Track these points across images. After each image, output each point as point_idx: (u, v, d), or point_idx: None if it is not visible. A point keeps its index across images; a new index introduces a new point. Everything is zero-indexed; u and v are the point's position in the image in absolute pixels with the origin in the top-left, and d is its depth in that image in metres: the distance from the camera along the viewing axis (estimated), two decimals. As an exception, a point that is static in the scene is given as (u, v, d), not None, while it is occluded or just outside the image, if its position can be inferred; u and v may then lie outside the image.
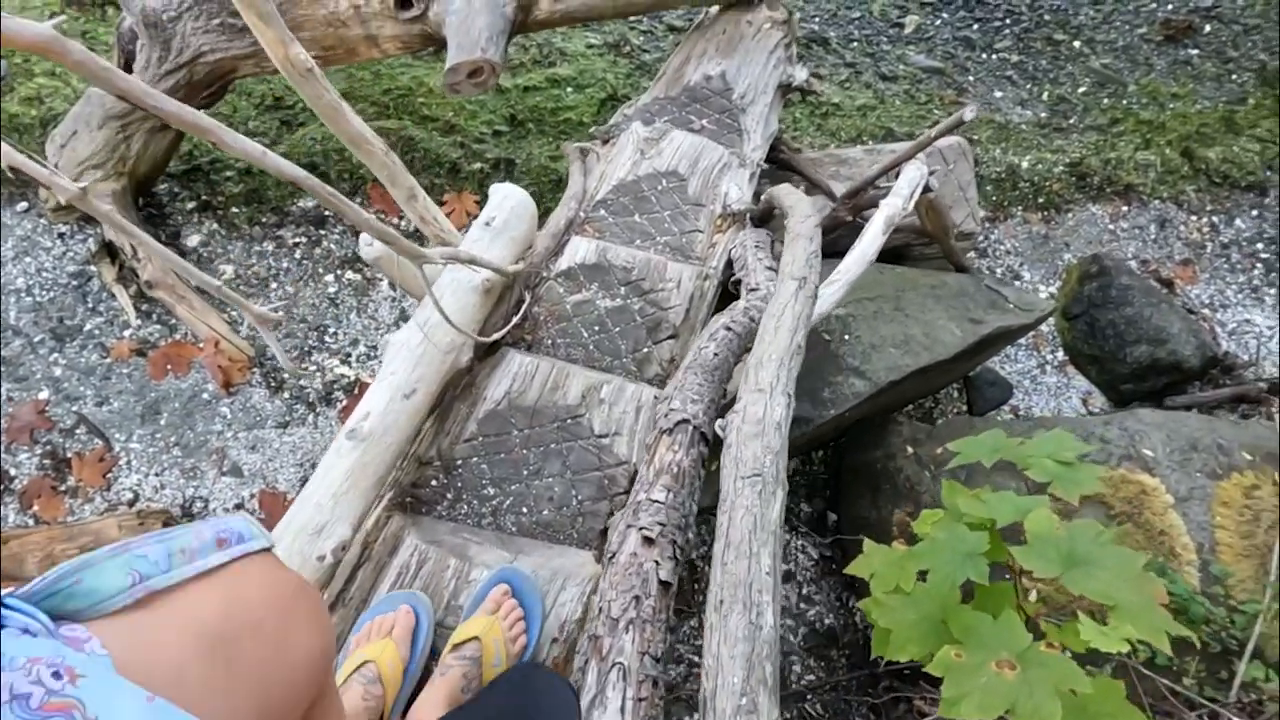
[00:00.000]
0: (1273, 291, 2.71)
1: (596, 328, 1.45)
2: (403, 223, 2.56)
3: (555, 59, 2.99)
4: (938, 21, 3.30)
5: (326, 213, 2.58)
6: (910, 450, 1.84)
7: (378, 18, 2.01)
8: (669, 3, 2.23)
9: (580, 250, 1.54)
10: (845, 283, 1.38)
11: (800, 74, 2.25)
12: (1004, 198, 2.84)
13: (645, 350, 1.43)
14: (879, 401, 1.83)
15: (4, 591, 0.47)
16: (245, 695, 0.52)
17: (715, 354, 1.17)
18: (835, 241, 2.25)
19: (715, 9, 2.42)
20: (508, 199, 1.40)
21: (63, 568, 0.50)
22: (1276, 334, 2.59)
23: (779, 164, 2.38)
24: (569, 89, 2.90)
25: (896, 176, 1.71)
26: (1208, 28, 3.35)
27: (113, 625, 0.49)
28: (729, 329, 1.19)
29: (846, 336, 1.81)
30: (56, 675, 0.41)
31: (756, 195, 2.12)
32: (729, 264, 1.65)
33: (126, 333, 2.29)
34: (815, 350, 1.80)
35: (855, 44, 3.20)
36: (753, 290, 1.29)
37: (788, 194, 1.47)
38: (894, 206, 1.45)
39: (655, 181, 1.75)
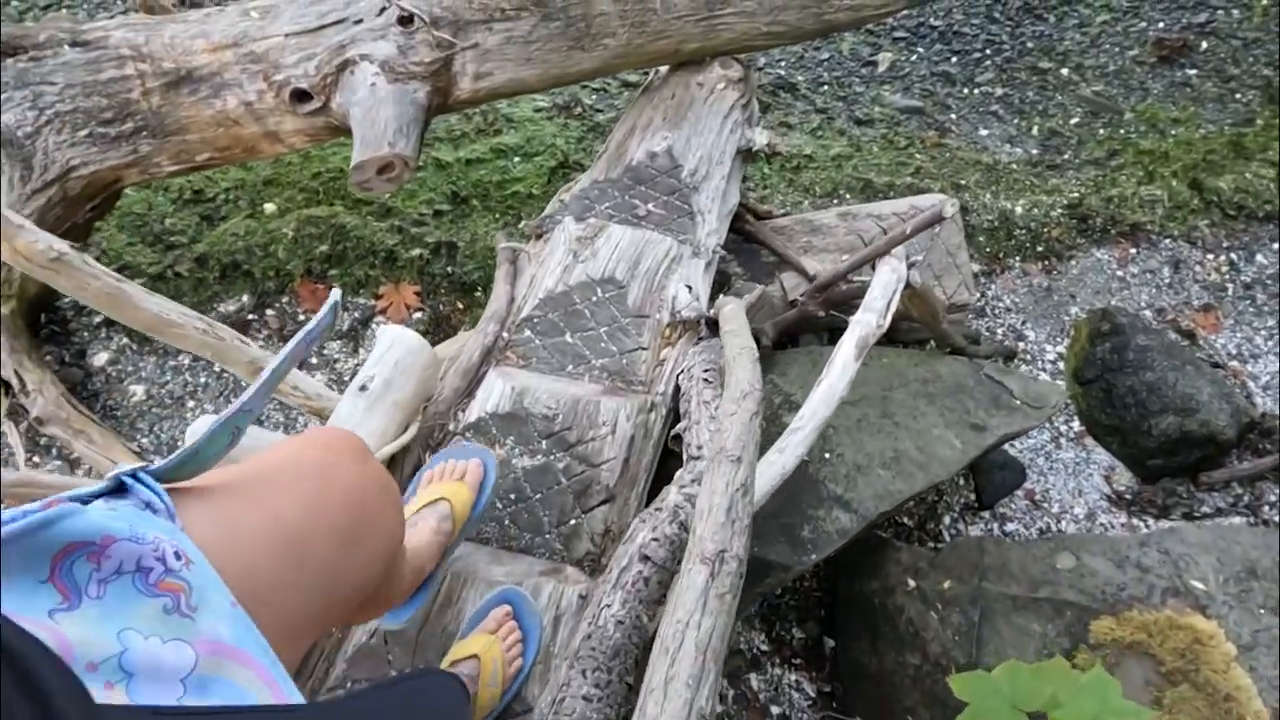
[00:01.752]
0: (1306, 336, 2.44)
1: (513, 496, 1.19)
2: (415, 315, 2.31)
3: (501, 126, 2.76)
4: (913, 57, 3.07)
5: (250, 316, 2.33)
6: (912, 584, 1.56)
7: (274, 113, 1.77)
8: (608, 70, 1.99)
9: (493, 395, 1.28)
10: (813, 429, 1.11)
11: (760, 139, 2.00)
12: (999, 248, 2.59)
13: (573, 522, 1.16)
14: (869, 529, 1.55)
15: (138, 466, 0.48)
16: (312, 590, 0.53)
17: (619, 620, 0.77)
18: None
19: (665, 68, 2.18)
20: (393, 348, 1.14)
21: (193, 444, 0.51)
22: (1316, 386, 2.31)
23: (743, 235, 2.13)
24: (516, 158, 2.67)
25: (874, 269, 1.46)
26: (1204, 45, 3.11)
27: (198, 506, 0.49)
28: (646, 559, 0.80)
29: (827, 454, 1.54)
30: (178, 555, 0.43)
31: (717, 282, 1.86)
32: (678, 389, 1.39)
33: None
34: (791, 475, 1.53)
35: (826, 87, 2.97)
36: (694, 459, 1.01)
37: (731, 338, 1.13)
38: (867, 325, 1.19)
39: (589, 291, 1.49)
